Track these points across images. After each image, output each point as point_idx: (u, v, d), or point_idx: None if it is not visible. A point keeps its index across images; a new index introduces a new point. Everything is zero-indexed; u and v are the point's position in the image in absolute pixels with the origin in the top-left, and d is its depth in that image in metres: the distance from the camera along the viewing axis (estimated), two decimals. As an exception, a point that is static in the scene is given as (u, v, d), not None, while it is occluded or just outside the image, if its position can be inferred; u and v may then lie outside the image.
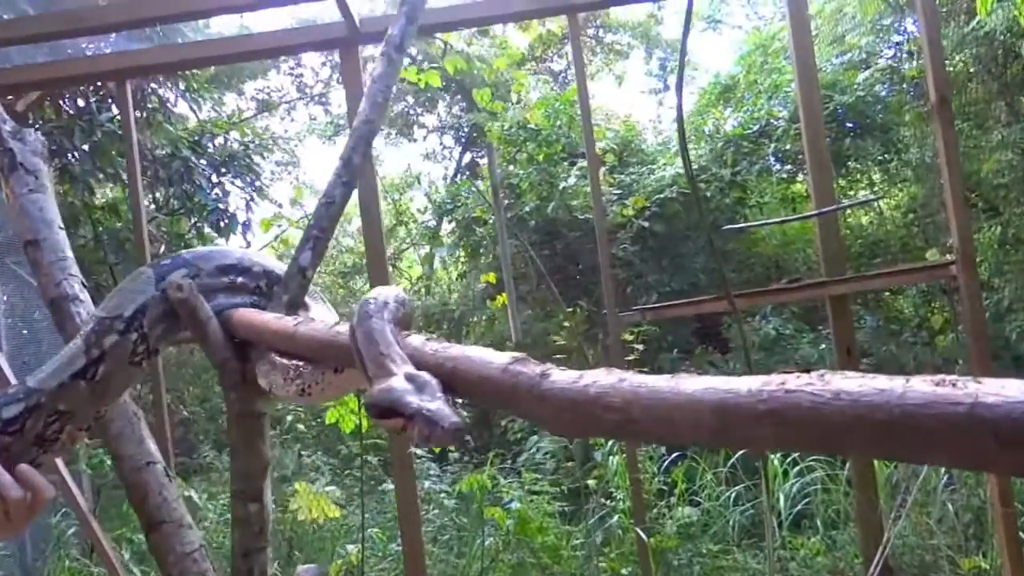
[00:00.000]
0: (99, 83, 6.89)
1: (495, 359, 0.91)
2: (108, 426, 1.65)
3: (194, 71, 9.26)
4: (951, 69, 8.53)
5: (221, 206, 8.84)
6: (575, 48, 5.01)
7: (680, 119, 3.13)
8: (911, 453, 0.69)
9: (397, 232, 12.53)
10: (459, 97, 12.76)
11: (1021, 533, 4.14)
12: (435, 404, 0.93)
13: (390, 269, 13.49)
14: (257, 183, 9.68)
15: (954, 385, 0.68)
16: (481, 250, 8.34)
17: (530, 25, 12.79)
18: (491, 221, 7.97)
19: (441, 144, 14.22)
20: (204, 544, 1.70)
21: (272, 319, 1.31)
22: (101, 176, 7.94)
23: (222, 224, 8.76)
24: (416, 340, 1.06)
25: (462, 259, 9.00)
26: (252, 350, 1.43)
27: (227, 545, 5.64)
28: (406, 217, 12.04)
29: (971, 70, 8.45)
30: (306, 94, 14.84)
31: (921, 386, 0.70)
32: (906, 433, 0.69)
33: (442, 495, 5.67)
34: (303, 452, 7.46)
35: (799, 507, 5.44)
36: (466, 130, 12.73)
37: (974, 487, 4.70)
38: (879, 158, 8.84)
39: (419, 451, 5.61)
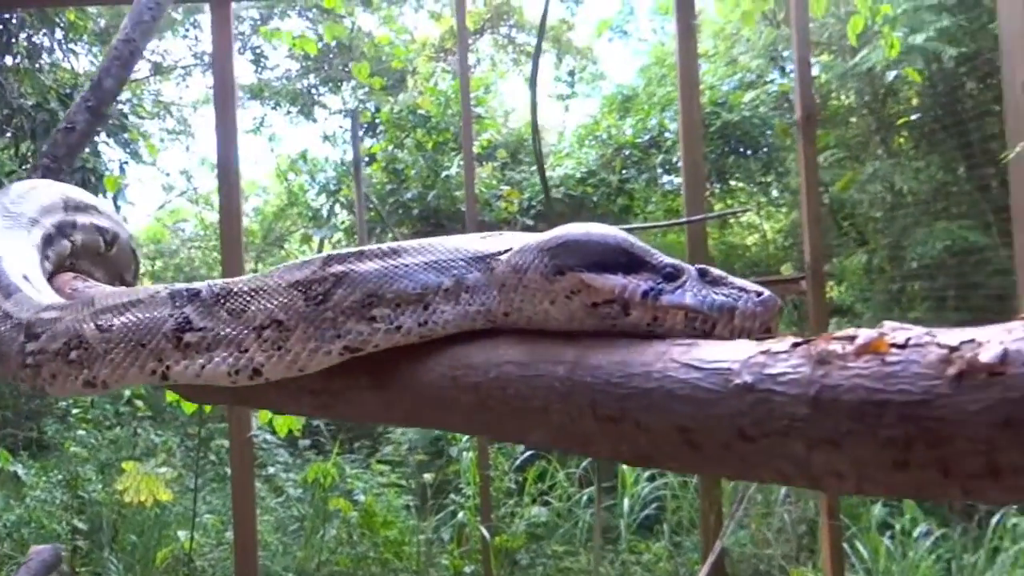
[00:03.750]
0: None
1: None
2: None
3: (76, 19, 8.70)
4: (836, 103, 8.88)
5: (88, 165, 8.30)
6: (461, 34, 4.92)
7: (534, 108, 3.07)
8: (507, 429, 0.58)
9: (289, 213, 12.13)
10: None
11: (844, 544, 4.29)
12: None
13: (279, 251, 13.05)
14: (133, 146, 9.16)
15: (566, 339, 0.57)
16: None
17: (442, 16, 12.66)
18: (376, 204, 7.78)
19: (342, 127, 13.84)
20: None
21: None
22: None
23: (89, 184, 8.25)
24: (65, 276, 0.92)
25: (342, 242, 8.77)
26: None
27: (48, 526, 5.26)
28: (298, 199, 11.65)
29: (853, 105, 8.82)
30: (203, 61, 14.20)
31: (536, 342, 0.58)
32: (500, 403, 0.58)
33: (289, 483, 5.44)
34: (158, 433, 7.06)
35: (647, 512, 5.50)
36: (371, 114, 12.44)
37: (808, 499, 4.85)
38: (761, 180, 9.11)
39: (269, 436, 5.38)
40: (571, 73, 14.29)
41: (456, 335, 0.66)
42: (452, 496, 5.27)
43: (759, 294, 0.71)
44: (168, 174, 13.85)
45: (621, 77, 14.00)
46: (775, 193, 9.80)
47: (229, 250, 4.39)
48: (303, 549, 4.91)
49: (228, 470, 6.29)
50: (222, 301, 0.89)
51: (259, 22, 12.72)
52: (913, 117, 7.76)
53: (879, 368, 0.45)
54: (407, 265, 0.83)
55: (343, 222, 8.71)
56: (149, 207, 14.23)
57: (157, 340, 0.89)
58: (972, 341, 0.43)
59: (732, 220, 10.14)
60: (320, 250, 10.85)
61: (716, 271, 0.73)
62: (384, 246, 0.87)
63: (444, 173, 7.14)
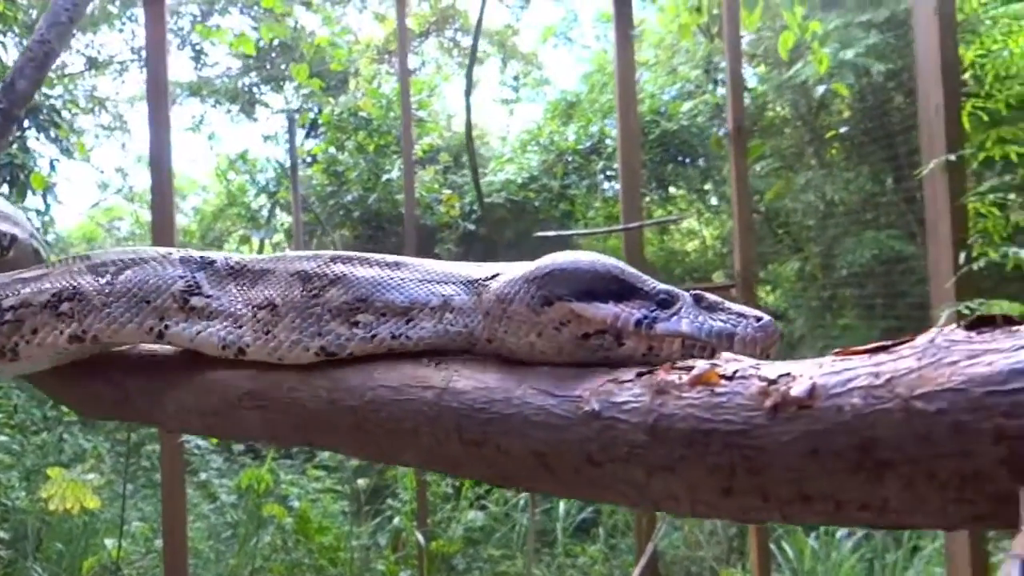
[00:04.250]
0: None
1: None
2: None
3: (4, 10, 8.42)
4: (772, 114, 9.10)
5: (17, 161, 8.01)
6: (401, 37, 4.91)
7: (468, 117, 3.10)
8: (382, 449, 0.60)
9: (229, 213, 11.91)
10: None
11: (772, 546, 4.42)
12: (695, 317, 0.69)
13: (217, 251, 12.84)
14: (65, 143, 8.88)
15: (436, 365, 0.59)
16: (305, 236, 8.04)
17: (386, 18, 12.59)
18: (316, 205, 7.71)
19: (283, 127, 13.64)
20: None
21: None
22: None
23: (17, 181, 7.96)
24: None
25: (281, 244, 8.67)
26: None
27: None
28: (237, 199, 11.44)
29: (788, 117, 9.05)
30: (140, 56, 13.86)
31: (408, 368, 0.60)
32: (375, 425, 0.59)
33: (222, 489, 5.35)
34: (87, 438, 6.86)
35: (583, 515, 5.56)
36: (313, 115, 12.29)
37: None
38: (699, 188, 9.29)
39: (201, 442, 5.28)
40: (516, 78, 14.35)
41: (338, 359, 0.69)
42: (389, 501, 5.25)
43: (758, 319, 0.68)
44: (103, 171, 13.49)
45: (565, 83, 14.13)
46: (713, 200, 10.00)
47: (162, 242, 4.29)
48: (236, 556, 4.83)
49: (160, 476, 6.15)
50: (234, 275, 0.91)
51: (199, 18, 12.45)
52: (842, 130, 8.00)
53: (709, 399, 0.48)
54: (402, 278, 0.84)
55: (282, 223, 8.60)
56: (83, 205, 13.84)
57: (164, 298, 0.90)
58: (788, 375, 0.46)
59: (672, 226, 10.32)
60: (260, 251, 10.68)
61: (712, 296, 0.71)
62: (389, 257, 0.89)
63: (385, 176, 7.12)
